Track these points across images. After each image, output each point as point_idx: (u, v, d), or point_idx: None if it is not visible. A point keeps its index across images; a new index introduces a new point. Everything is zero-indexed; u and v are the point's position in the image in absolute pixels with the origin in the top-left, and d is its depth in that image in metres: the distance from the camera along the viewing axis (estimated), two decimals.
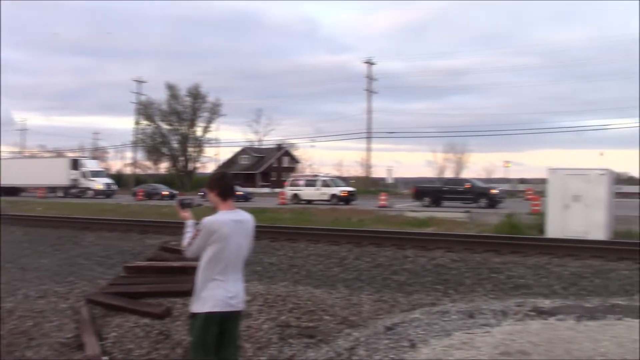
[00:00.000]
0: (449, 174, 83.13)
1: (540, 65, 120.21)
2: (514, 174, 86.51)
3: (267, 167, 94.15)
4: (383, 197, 38.79)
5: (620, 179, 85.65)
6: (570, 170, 19.23)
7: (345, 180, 59.41)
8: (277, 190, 63.85)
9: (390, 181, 75.88)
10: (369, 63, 76.21)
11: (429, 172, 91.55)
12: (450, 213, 27.73)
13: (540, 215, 22.15)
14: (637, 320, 7.33)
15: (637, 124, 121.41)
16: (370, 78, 76.24)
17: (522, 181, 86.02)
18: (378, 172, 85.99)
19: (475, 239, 16.08)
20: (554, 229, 18.29)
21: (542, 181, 23.22)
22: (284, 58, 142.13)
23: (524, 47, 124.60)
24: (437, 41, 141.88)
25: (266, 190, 77.86)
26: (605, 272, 12.27)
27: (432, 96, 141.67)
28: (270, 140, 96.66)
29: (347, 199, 42.33)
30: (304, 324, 9.17)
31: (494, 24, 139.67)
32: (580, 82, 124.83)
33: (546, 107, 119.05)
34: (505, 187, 67.05)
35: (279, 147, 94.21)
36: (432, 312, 9.03)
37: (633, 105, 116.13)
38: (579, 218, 17.98)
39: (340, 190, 43.34)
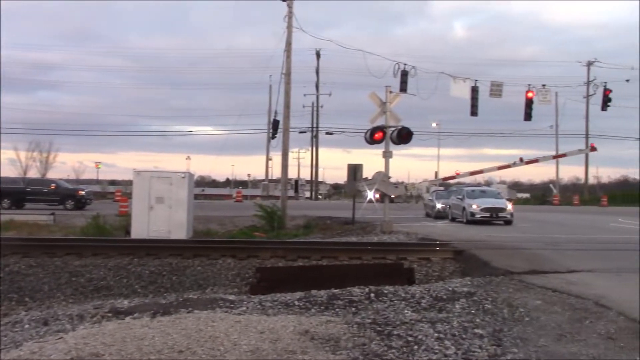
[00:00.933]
0: (33, 174, 77.44)
1: (131, 69, 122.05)
2: (105, 175, 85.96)
3: None
4: None
5: (205, 182, 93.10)
6: (155, 172, 20.03)
7: None
8: None
9: None
10: None
11: (12, 172, 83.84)
12: (34, 216, 25.98)
13: (127, 217, 22.43)
14: (205, 312, 8.05)
15: (218, 131, 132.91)
16: None
17: (113, 183, 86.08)
18: None
19: (57, 242, 15.40)
20: (139, 229, 18.76)
21: (132, 183, 23.66)
22: None
23: (117, 49, 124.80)
24: (21, 30, 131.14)
25: None
26: (181, 269, 13.11)
27: (17, 90, 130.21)
28: None
29: None
30: None
31: (85, 21, 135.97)
32: (170, 89, 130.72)
33: (137, 110, 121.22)
34: (96, 188, 66.10)
35: None
36: (3, 323, 8.35)
37: (216, 114, 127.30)
38: (162, 219, 18.82)
39: None
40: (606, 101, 26.76)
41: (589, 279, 10.53)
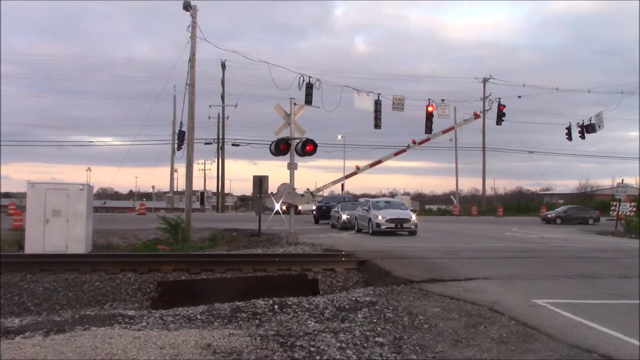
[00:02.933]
0: None
1: (21, 76, 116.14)
2: None
3: None
4: None
5: (106, 194, 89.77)
6: (51, 184, 19.08)
7: None
8: None
9: None
10: None
11: None
12: None
13: (21, 231, 21.27)
14: (103, 329, 7.74)
15: (120, 142, 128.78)
16: None
17: (7, 195, 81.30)
18: None
19: None
20: (34, 244, 17.83)
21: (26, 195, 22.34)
22: None
23: (5, 56, 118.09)
24: None
25: None
26: (78, 284, 12.58)
27: None
28: None
29: None
30: None
31: None
32: (63, 98, 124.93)
33: (29, 119, 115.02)
34: None
35: None
36: None
37: (116, 125, 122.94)
38: (59, 233, 17.98)
39: None
40: (500, 116, 28.05)
41: (484, 286, 10.99)
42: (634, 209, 35.38)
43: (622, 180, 38.77)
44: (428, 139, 23.88)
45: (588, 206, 57.58)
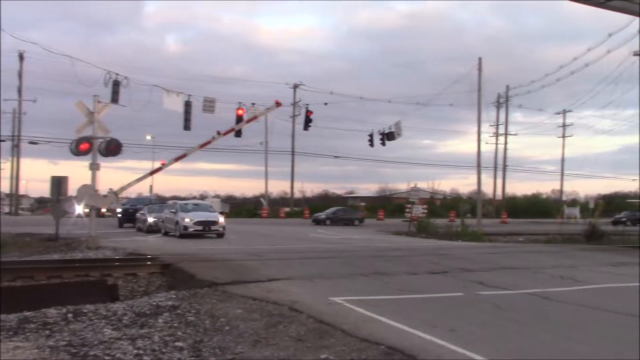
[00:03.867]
0: None
1: None
2: None
3: None
4: None
5: None
6: None
7: None
8: None
9: None
10: None
11: None
12: None
13: None
14: None
15: None
16: None
17: None
18: None
19: None
20: None
21: None
22: None
23: None
24: None
25: None
26: None
27: None
28: None
29: None
30: None
31: None
32: None
33: None
34: None
35: None
36: None
37: None
38: None
39: None
40: (308, 122, 29.21)
41: (286, 286, 11.32)
42: (426, 211, 38.73)
43: (415, 184, 42.37)
44: (232, 129, 23.99)
45: (387, 208, 61.92)
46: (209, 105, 25.07)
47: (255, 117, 24.58)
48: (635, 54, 34.04)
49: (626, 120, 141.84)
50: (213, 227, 26.13)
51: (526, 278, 13.32)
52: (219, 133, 23.61)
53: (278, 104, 25.91)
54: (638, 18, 24.65)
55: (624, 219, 55.54)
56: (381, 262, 16.03)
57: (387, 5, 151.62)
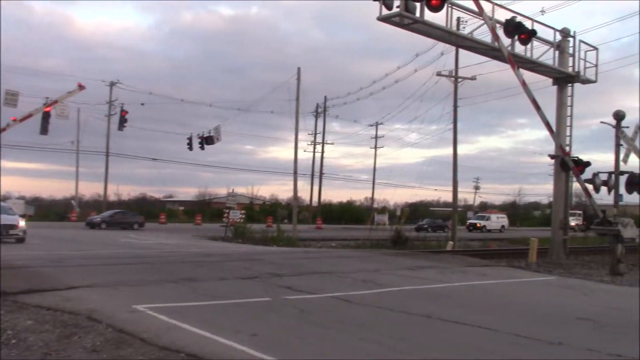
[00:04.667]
0: None
1: None
2: None
3: None
4: None
5: None
6: None
7: None
8: None
9: None
10: None
11: None
12: None
13: None
14: None
15: None
16: None
17: None
18: None
19: None
20: None
21: None
22: None
23: None
24: None
25: None
26: None
27: None
28: None
29: None
30: None
31: None
32: None
33: None
34: None
35: None
36: None
37: None
38: None
39: None
40: (122, 121, 28.09)
41: (87, 294, 10.72)
42: (243, 217, 38.94)
43: (233, 189, 42.48)
44: (30, 115, 22.36)
45: (206, 213, 61.27)
46: (12, 98, 23.19)
47: (47, 108, 23.09)
48: (438, 74, 37.33)
49: (430, 135, 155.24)
50: (12, 232, 24.04)
51: (332, 282, 13.88)
52: (14, 120, 21.88)
53: (81, 87, 24.53)
54: (439, 42, 27.00)
55: (425, 226, 60.33)
56: (192, 268, 15.81)
57: (211, 8, 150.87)
